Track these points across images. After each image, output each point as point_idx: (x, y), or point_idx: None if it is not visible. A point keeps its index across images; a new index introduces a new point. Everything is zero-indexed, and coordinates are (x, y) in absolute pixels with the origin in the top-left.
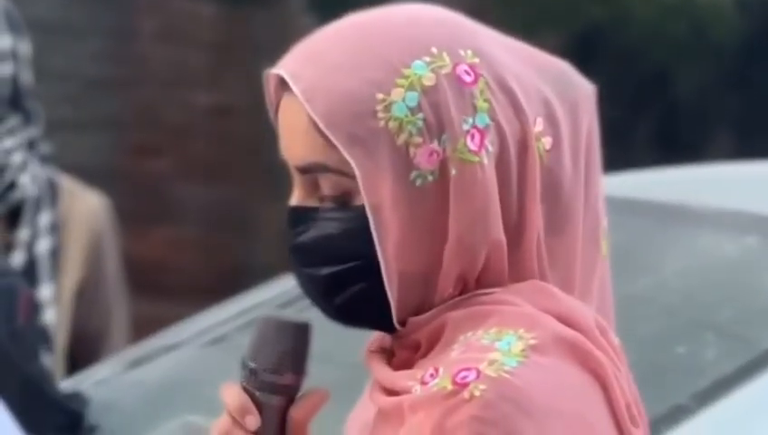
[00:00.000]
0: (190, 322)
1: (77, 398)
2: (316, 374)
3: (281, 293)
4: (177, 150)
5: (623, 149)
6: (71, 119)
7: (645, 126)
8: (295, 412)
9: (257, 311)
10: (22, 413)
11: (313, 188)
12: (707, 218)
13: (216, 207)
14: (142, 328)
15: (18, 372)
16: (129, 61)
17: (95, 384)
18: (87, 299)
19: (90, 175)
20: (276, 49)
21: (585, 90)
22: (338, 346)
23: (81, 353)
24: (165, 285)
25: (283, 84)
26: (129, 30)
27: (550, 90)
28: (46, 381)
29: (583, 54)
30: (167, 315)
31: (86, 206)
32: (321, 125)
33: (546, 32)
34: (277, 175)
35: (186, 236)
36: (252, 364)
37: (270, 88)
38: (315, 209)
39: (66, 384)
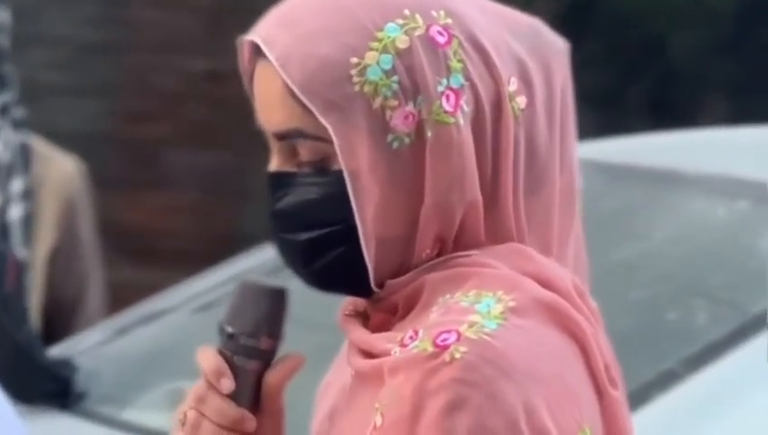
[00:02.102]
0: (179, 288)
1: (66, 364)
2: (299, 339)
3: (271, 258)
4: (170, 116)
5: (618, 115)
6: (64, 84)
7: (639, 92)
8: (271, 377)
9: (247, 277)
10: (11, 380)
11: (291, 154)
12: (698, 184)
13: (210, 172)
14: (136, 294)
15: (8, 338)
16: (123, 26)
17: (84, 351)
18: (61, 265)
19: (83, 141)
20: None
21: (558, 46)
22: (320, 310)
23: (57, 320)
24: (159, 251)
25: (257, 51)
26: None
27: (523, 48)
28: (35, 348)
29: (579, 20)
30: (160, 282)
31: (60, 171)
32: (297, 91)
33: None
34: (265, 133)
35: (179, 202)
36: (229, 329)
37: (244, 55)
38: (294, 175)
39: (55, 351)
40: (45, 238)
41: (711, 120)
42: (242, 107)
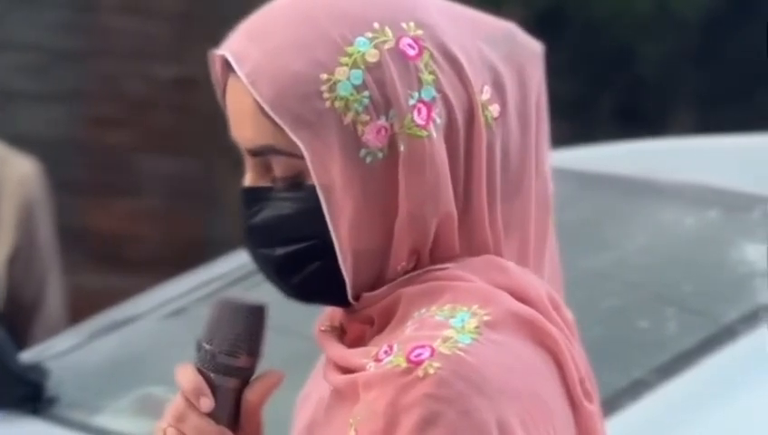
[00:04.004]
0: (149, 294)
1: (37, 369)
2: (275, 347)
3: (240, 265)
4: (139, 123)
5: (587, 124)
6: (33, 90)
7: (608, 100)
8: (250, 394)
9: (217, 284)
10: None
11: (265, 169)
12: (669, 192)
13: (178, 179)
14: (103, 300)
15: None
16: (91, 32)
17: (55, 356)
18: (20, 267)
19: (51, 146)
20: (240, 20)
21: (532, 49)
22: (294, 319)
23: (16, 321)
24: (127, 257)
25: (228, 64)
26: (90, 1)
27: (495, 54)
28: (7, 353)
29: (548, 29)
30: (128, 288)
31: (18, 172)
32: (267, 109)
33: (511, 5)
34: (239, 148)
35: (147, 208)
36: (207, 346)
37: (216, 68)
38: (269, 190)
39: (26, 356)
40: (5, 240)
41: (679, 128)
42: (210, 113)
